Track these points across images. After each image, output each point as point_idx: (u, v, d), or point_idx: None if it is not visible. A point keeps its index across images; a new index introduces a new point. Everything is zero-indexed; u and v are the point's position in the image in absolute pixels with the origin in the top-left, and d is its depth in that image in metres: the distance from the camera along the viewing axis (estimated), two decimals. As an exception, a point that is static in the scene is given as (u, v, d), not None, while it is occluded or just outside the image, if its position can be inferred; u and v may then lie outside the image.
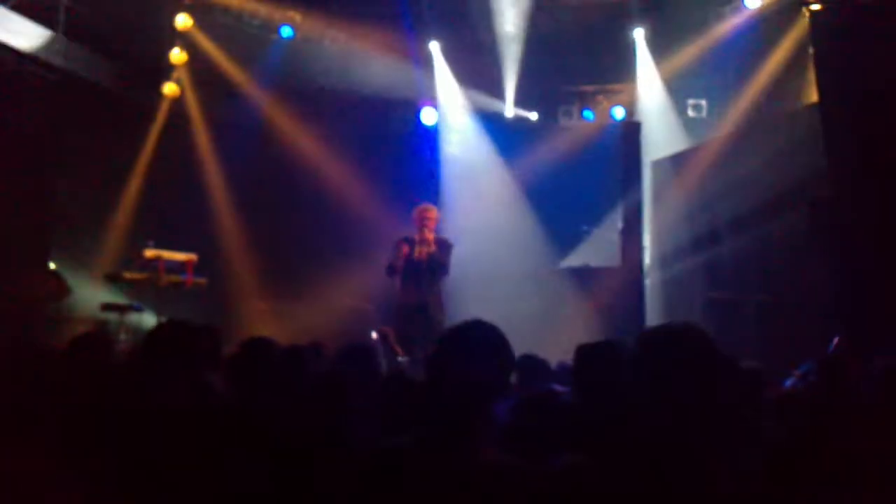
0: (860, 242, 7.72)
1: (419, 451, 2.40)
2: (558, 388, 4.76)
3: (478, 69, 11.11)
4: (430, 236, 8.07)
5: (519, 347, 5.97)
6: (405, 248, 8.06)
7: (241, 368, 4.00)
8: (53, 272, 9.06)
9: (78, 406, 2.66)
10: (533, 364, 4.87)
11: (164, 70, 10.55)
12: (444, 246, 8.19)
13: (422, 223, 8.14)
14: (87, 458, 2.44)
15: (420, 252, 8.03)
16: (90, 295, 9.55)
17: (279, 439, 2.53)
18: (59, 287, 9.07)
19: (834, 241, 8.17)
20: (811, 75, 8.89)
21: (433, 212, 8.25)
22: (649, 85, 10.97)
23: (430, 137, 12.02)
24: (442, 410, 2.45)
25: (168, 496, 2.40)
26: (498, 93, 11.60)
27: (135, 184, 10.41)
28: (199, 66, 10.81)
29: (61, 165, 9.62)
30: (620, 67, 11.02)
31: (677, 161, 10.48)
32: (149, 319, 8.91)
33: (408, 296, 8.09)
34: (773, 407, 4.19)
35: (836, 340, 7.91)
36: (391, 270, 8.15)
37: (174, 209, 10.46)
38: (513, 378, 4.94)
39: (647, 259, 10.62)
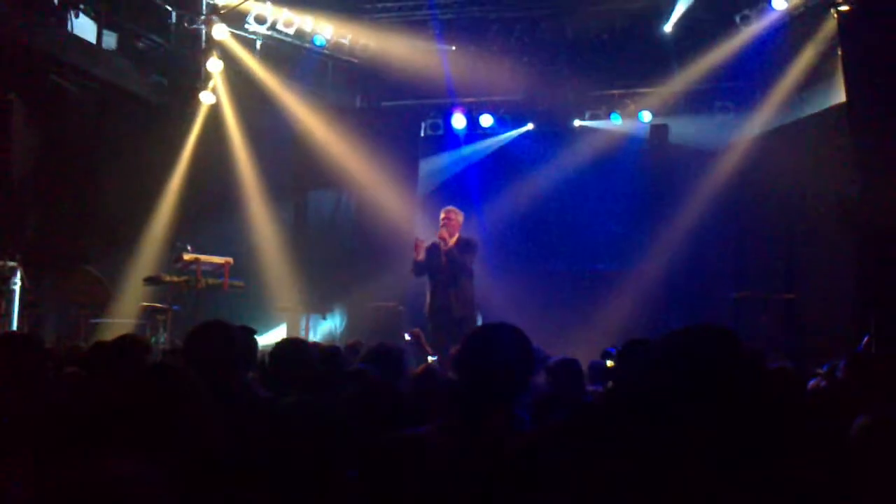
0: (889, 239, 7.74)
1: (435, 441, 2.51)
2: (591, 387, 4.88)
3: (506, 73, 11.18)
4: (446, 235, 8.20)
5: (549, 347, 6.12)
6: (418, 245, 8.24)
7: (276, 368, 4.12)
8: (95, 276, 9.30)
9: (115, 407, 2.73)
10: (567, 367, 4.93)
11: (201, 79, 10.76)
12: (465, 246, 8.27)
13: (442, 223, 8.30)
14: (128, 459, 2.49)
15: (441, 252, 8.20)
16: (130, 298, 9.79)
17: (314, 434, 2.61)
18: (101, 291, 9.31)
19: (862, 237, 8.19)
20: (839, 76, 8.90)
21: (452, 213, 8.36)
22: (676, 87, 10.98)
23: (459, 141, 12.14)
24: (463, 406, 2.58)
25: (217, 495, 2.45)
26: (527, 96, 11.68)
27: (173, 190, 10.63)
28: (235, 74, 11.03)
29: (102, 172, 9.88)
30: (647, 70, 11.05)
31: (705, 162, 10.52)
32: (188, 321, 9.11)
33: (433, 297, 8.26)
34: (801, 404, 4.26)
35: (865, 339, 7.93)
36: (415, 267, 8.34)
37: (211, 214, 10.68)
38: (542, 378, 5.06)
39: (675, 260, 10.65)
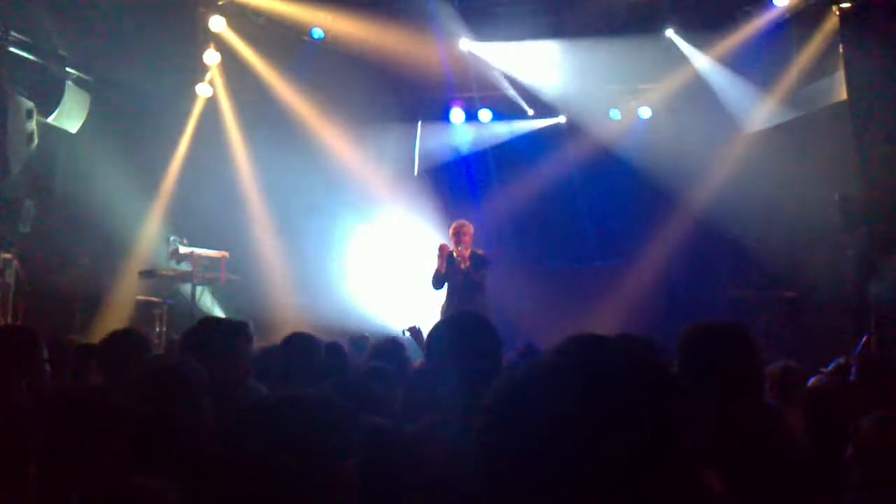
0: (890, 238, 7.74)
1: (425, 436, 2.58)
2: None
3: (504, 69, 11.14)
4: (466, 253, 8.13)
5: (547, 344, 6.08)
6: (444, 251, 8.15)
7: (282, 362, 4.09)
8: (91, 269, 9.25)
9: (116, 409, 2.69)
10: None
11: (198, 71, 10.69)
12: (480, 262, 8.21)
13: (457, 239, 8.20)
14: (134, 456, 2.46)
15: (458, 266, 8.11)
16: (126, 291, 9.73)
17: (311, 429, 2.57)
18: (97, 284, 9.26)
19: (864, 236, 8.19)
20: (840, 74, 8.89)
21: (468, 227, 8.29)
22: (677, 83, 10.93)
23: (458, 137, 12.09)
24: (441, 397, 2.63)
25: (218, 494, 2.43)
26: (525, 92, 11.64)
27: (169, 182, 10.57)
28: (232, 66, 10.96)
29: (98, 164, 9.82)
30: (648, 66, 11.00)
31: (705, 159, 10.49)
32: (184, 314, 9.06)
33: (448, 310, 8.16)
34: (802, 403, 4.25)
35: (864, 338, 7.92)
36: (438, 281, 8.21)
37: (208, 207, 10.63)
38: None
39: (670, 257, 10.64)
